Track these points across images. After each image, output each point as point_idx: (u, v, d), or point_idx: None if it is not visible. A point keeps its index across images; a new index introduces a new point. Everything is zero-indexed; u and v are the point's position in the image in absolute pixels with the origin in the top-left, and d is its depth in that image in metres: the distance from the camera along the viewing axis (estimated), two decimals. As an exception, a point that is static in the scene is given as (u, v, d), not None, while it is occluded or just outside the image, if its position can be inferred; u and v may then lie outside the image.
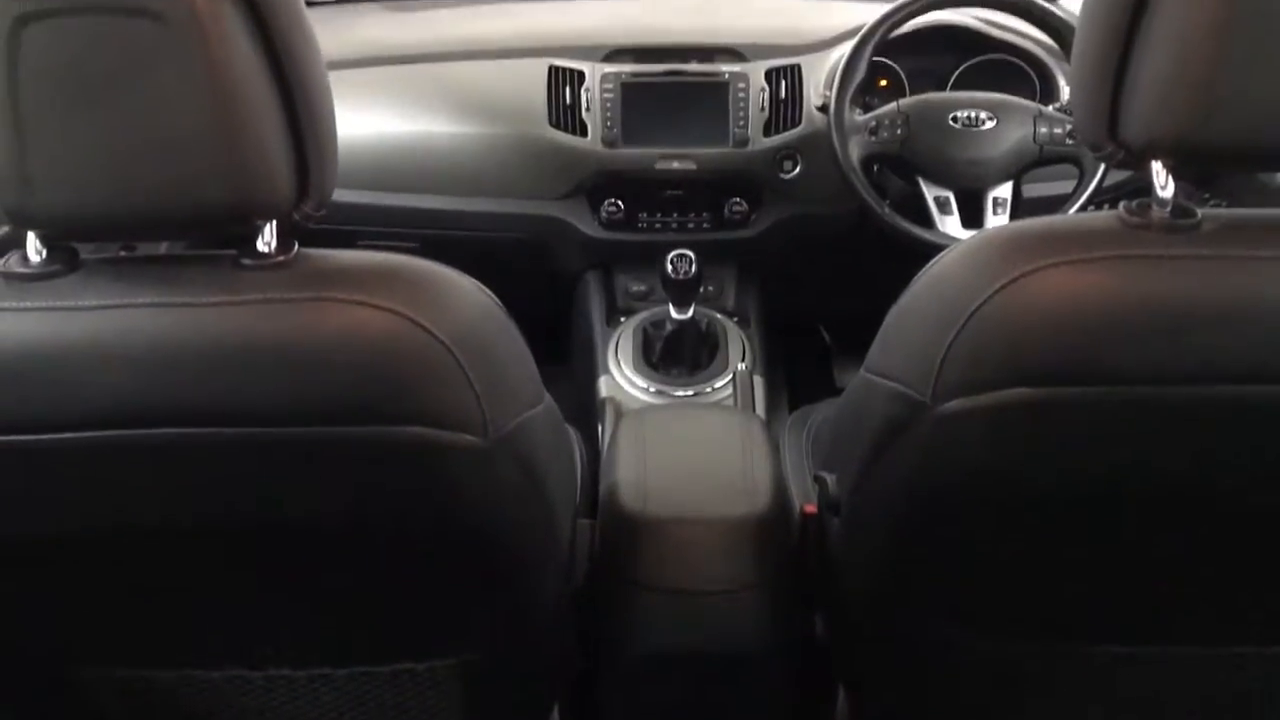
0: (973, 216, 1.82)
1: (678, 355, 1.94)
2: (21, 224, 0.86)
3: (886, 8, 1.86)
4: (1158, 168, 0.88)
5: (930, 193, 1.84)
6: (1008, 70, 2.05)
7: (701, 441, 1.39)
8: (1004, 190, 1.82)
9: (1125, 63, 0.86)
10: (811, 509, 1.31)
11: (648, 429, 1.41)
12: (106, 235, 0.96)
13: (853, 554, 1.16)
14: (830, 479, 1.16)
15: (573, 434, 1.57)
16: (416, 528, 0.94)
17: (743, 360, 1.94)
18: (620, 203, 2.04)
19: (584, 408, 1.98)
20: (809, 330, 2.49)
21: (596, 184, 2.04)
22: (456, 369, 0.87)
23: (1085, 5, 0.91)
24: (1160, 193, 0.87)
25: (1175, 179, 0.88)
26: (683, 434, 1.42)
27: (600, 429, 1.88)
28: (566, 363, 2.18)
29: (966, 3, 1.91)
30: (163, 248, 1.51)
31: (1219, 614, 1.05)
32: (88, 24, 0.78)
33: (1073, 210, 1.80)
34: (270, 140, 0.84)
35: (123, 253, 1.12)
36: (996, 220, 1.81)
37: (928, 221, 1.82)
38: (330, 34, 0.89)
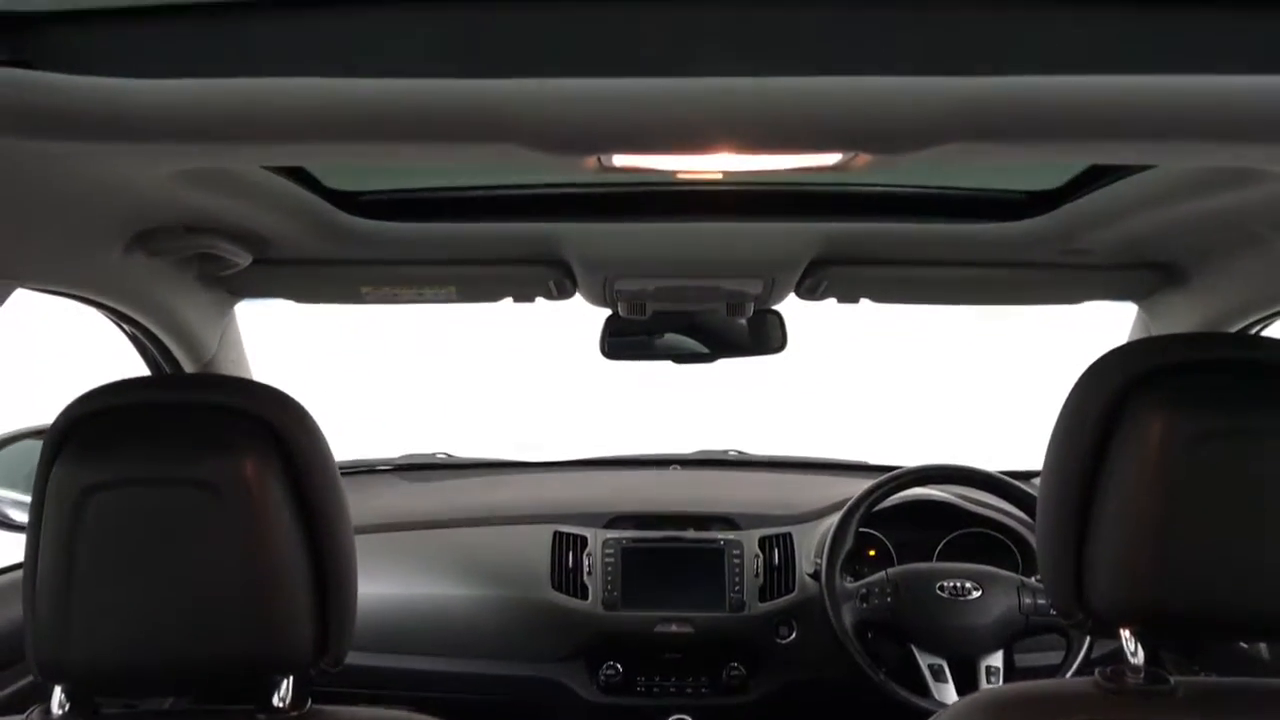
0: (967, 683, 1.83)
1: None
2: (52, 677, 0.90)
3: (869, 484, 2.00)
4: (1127, 635, 0.93)
5: (924, 660, 1.86)
6: (990, 542, 2.15)
7: None
8: (996, 659, 1.85)
9: (1084, 539, 0.95)
10: None
11: None
12: (135, 691, 0.99)
13: None
14: None
15: None
16: None
17: None
18: (619, 666, 2.05)
19: None
20: None
21: (596, 646, 2.06)
22: None
23: (1041, 486, 1.01)
24: (1132, 659, 0.92)
25: (1148, 646, 0.93)
26: None
27: None
28: None
29: (940, 480, 2.06)
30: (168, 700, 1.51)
31: None
32: (147, 494, 0.87)
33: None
34: (298, 601, 0.90)
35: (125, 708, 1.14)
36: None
37: (923, 689, 1.83)
38: (350, 501, 0.99)
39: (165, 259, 1.46)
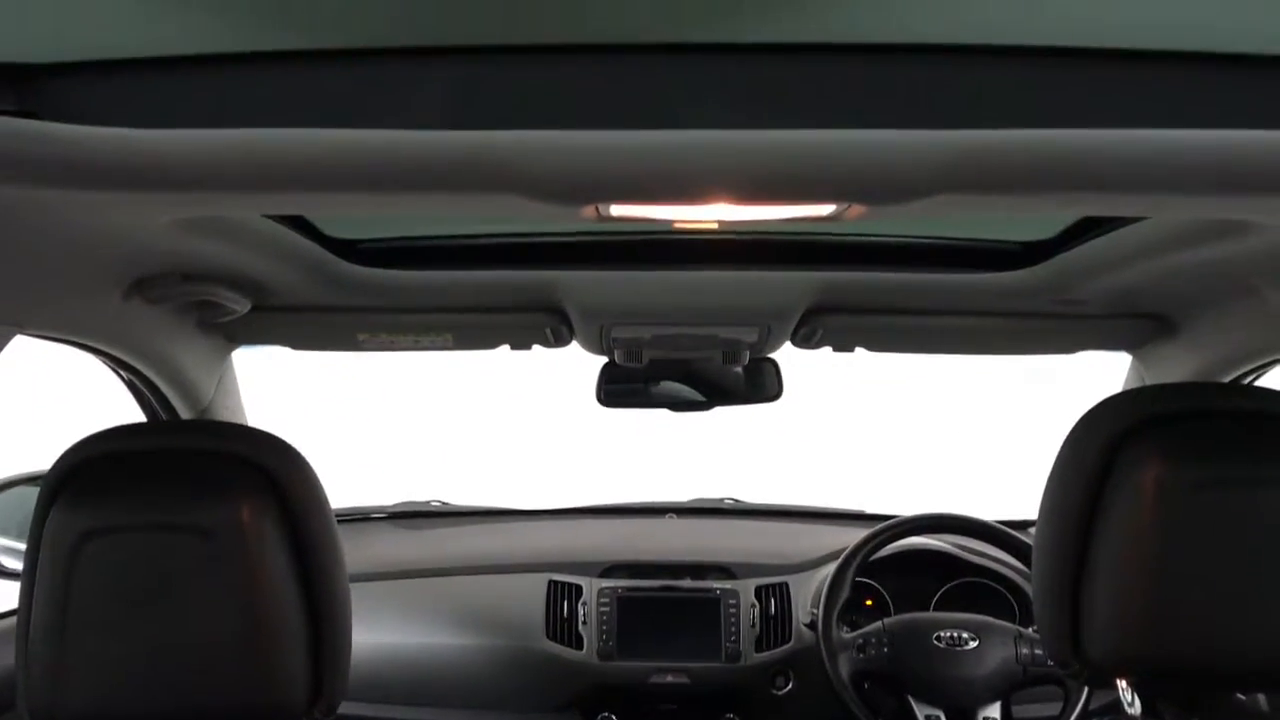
0: (965, 737, 1.82)
1: None
2: None
3: (865, 533, 1.99)
4: (1124, 686, 0.93)
5: (921, 711, 1.85)
6: (987, 592, 2.14)
7: None
8: (993, 711, 1.84)
9: (1079, 589, 0.95)
10: None
11: None
12: None
13: None
14: None
15: None
16: None
17: None
18: (614, 717, 2.03)
19: None
20: None
21: (590, 696, 2.04)
22: None
23: (1037, 536, 1.01)
24: (1129, 710, 0.92)
25: (1145, 697, 0.93)
26: None
27: None
28: None
29: (937, 530, 2.06)
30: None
31: None
32: (143, 539, 0.87)
33: None
34: (294, 649, 0.90)
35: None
36: None
37: (921, 742, 1.81)
38: (344, 549, 0.99)
39: (164, 306, 1.47)
